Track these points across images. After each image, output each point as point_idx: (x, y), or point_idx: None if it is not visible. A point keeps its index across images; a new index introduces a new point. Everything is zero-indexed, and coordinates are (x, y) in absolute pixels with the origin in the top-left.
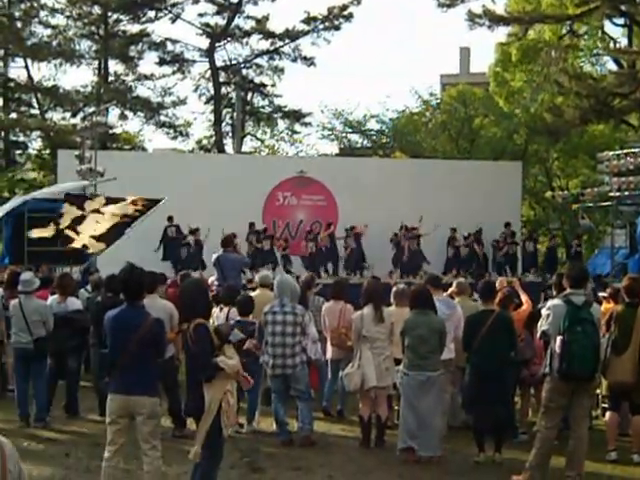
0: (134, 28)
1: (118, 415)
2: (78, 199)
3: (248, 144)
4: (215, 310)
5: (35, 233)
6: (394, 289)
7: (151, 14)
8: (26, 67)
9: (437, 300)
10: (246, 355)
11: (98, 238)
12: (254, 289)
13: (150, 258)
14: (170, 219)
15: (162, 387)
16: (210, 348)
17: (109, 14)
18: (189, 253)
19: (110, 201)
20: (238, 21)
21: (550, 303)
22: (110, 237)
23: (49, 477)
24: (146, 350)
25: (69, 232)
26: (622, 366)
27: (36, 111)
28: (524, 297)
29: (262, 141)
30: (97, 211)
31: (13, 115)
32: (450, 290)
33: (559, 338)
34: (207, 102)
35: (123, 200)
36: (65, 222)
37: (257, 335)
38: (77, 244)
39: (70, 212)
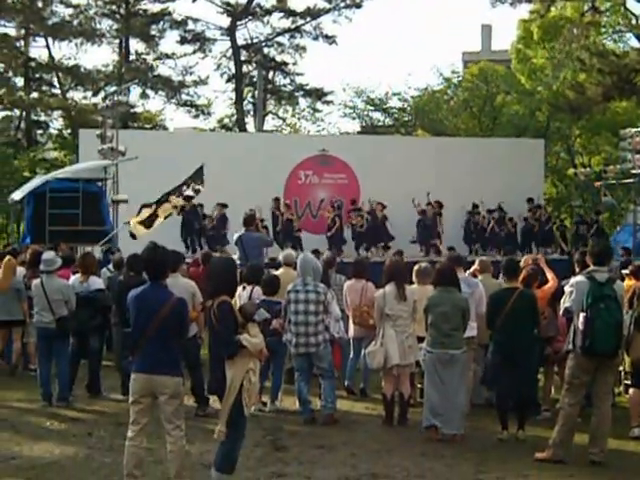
0: (155, 7)
1: (141, 395)
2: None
3: (269, 122)
4: (238, 289)
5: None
6: (416, 267)
7: None
8: (47, 46)
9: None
10: (272, 334)
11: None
12: (275, 268)
13: (169, 237)
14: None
15: (185, 366)
16: (233, 326)
17: None
18: (213, 229)
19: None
20: None
21: (573, 280)
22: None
23: (72, 456)
24: (169, 329)
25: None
26: None
27: (57, 90)
28: (550, 274)
29: (284, 119)
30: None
31: (34, 94)
32: (472, 268)
33: (582, 315)
34: (228, 81)
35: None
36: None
37: (283, 314)
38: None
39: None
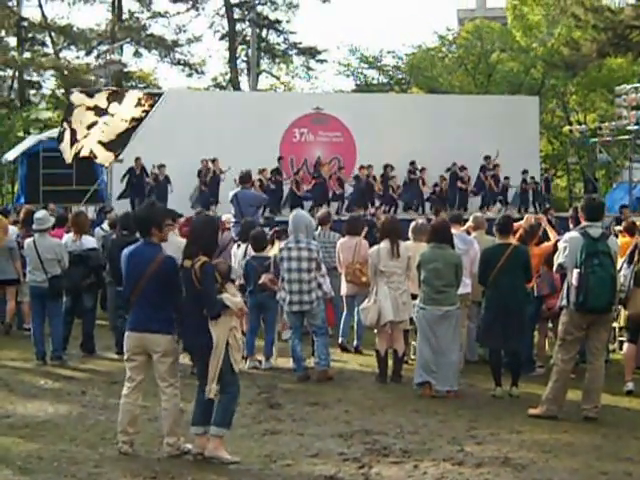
0: None
1: (134, 353)
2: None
3: (263, 81)
4: (233, 247)
5: None
6: (412, 224)
7: None
8: (40, 6)
9: (454, 235)
10: (262, 290)
11: (106, 145)
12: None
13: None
14: (137, 160)
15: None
16: (215, 286)
17: None
18: (152, 190)
19: (113, 97)
20: None
21: (567, 236)
22: (118, 144)
23: (66, 414)
24: (158, 287)
25: (80, 130)
26: None
27: (50, 50)
28: (552, 233)
29: (278, 78)
30: (105, 112)
31: (27, 54)
32: (467, 225)
33: (576, 271)
34: (222, 39)
35: (125, 95)
36: (76, 121)
37: (273, 270)
38: (85, 151)
39: (80, 113)
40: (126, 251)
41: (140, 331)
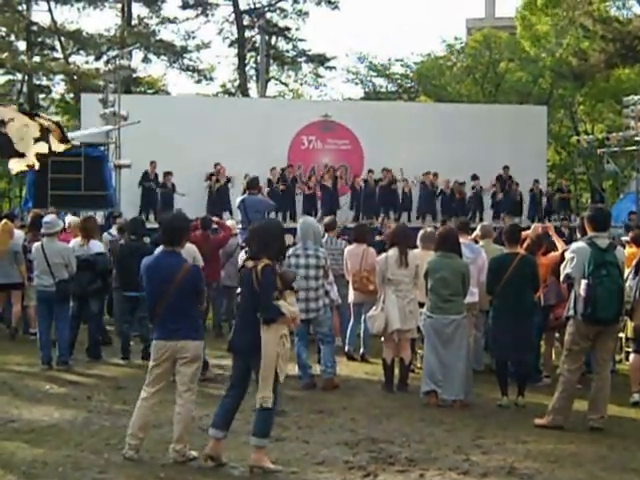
0: None
1: (162, 360)
2: None
3: (272, 88)
4: (241, 253)
5: None
6: (421, 232)
7: None
8: (49, 11)
9: (462, 244)
10: None
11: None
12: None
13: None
14: (152, 163)
15: None
16: (274, 291)
17: None
18: (162, 197)
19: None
20: None
21: (574, 246)
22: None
23: (71, 419)
24: (185, 296)
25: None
26: None
27: (59, 55)
28: (559, 243)
29: (286, 85)
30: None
31: (37, 59)
32: (474, 234)
33: (584, 282)
34: (231, 45)
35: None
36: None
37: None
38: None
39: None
40: (147, 261)
41: (171, 339)
